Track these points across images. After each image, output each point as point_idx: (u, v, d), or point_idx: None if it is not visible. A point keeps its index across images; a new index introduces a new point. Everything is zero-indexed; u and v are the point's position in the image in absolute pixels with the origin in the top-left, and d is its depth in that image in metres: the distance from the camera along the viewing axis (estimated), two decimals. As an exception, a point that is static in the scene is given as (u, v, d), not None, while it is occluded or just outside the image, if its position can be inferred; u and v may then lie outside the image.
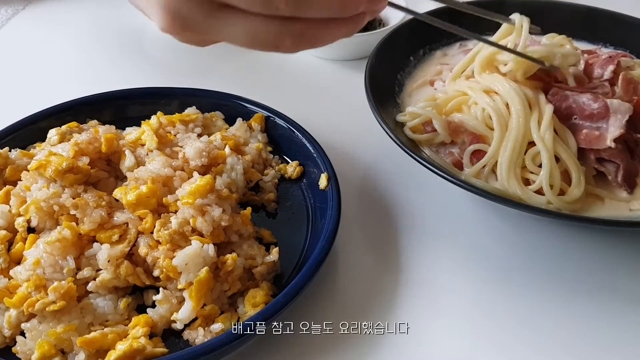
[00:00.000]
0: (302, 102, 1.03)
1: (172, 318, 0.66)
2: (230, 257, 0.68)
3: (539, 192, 0.77)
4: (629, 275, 0.76)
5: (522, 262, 0.78)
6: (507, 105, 0.80)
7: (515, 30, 0.83)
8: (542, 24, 1.06)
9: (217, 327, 0.65)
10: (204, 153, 0.76)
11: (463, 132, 0.83)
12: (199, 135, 0.85)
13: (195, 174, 0.73)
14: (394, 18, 1.18)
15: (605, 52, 0.93)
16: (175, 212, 0.70)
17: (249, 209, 0.75)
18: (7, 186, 0.75)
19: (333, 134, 0.92)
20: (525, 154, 0.78)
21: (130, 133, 0.83)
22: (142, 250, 0.68)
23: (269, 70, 1.14)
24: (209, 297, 0.67)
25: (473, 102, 0.84)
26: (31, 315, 0.64)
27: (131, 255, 0.69)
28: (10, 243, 0.71)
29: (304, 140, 0.84)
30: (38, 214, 0.69)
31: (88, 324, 0.65)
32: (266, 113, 0.89)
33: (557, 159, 0.77)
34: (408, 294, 0.73)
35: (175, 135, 0.84)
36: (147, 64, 1.15)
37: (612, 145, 0.76)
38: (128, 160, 0.76)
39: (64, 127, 0.83)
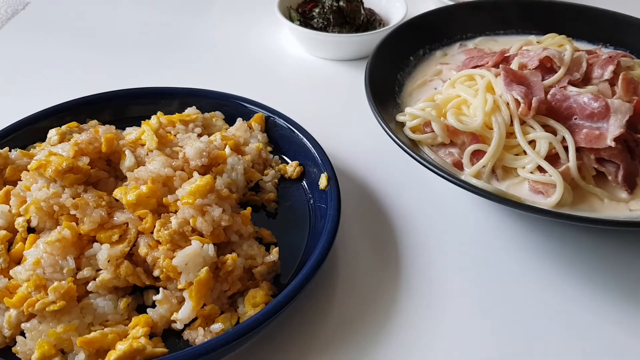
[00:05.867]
0: (302, 102, 1.03)
1: (172, 318, 0.66)
2: (230, 257, 0.68)
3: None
4: (630, 274, 0.76)
5: (522, 262, 0.78)
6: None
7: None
8: (542, 24, 1.07)
9: (217, 327, 0.65)
10: (204, 153, 0.76)
11: (462, 132, 0.83)
12: (199, 135, 0.85)
13: (195, 174, 0.73)
14: (394, 18, 1.19)
15: (605, 52, 0.93)
16: (175, 212, 0.70)
17: (249, 209, 0.75)
18: (7, 186, 0.75)
19: (333, 134, 0.92)
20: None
21: (130, 133, 0.83)
22: (142, 250, 0.68)
23: (269, 71, 1.14)
24: (209, 297, 0.67)
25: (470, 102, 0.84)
26: (31, 315, 0.64)
27: (131, 255, 0.69)
28: (10, 243, 0.71)
29: (304, 140, 0.84)
30: (38, 214, 0.69)
31: (88, 324, 0.65)
32: (266, 113, 0.89)
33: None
34: (408, 293, 0.73)
35: (175, 135, 0.84)
36: (147, 64, 1.15)
37: (613, 144, 0.76)
38: (128, 160, 0.76)
39: (64, 127, 0.83)
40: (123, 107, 0.91)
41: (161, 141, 0.80)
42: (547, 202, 0.77)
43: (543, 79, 0.85)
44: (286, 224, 0.79)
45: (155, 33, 1.24)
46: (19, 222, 0.70)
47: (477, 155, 0.81)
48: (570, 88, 0.83)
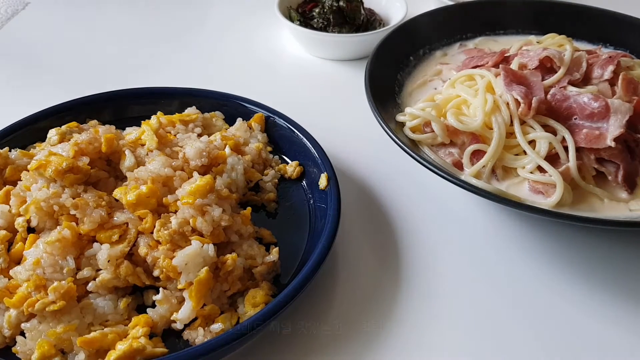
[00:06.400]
0: (302, 102, 1.03)
1: (172, 318, 0.66)
2: (230, 257, 0.68)
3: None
4: (629, 274, 0.76)
5: (522, 262, 0.78)
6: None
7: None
8: (542, 24, 1.07)
9: (217, 327, 0.65)
10: (204, 153, 0.76)
11: (462, 132, 0.83)
12: (199, 135, 0.85)
13: (195, 174, 0.73)
14: (394, 18, 1.19)
15: (605, 52, 0.93)
16: (175, 212, 0.70)
17: (249, 209, 0.75)
18: (7, 186, 0.75)
19: (333, 134, 0.92)
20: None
21: (130, 133, 0.83)
22: (142, 250, 0.68)
23: (269, 71, 1.14)
24: (208, 297, 0.67)
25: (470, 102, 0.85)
26: (31, 315, 0.64)
27: (131, 255, 0.69)
28: (10, 243, 0.71)
29: (304, 140, 0.84)
30: (38, 214, 0.69)
31: (88, 324, 0.65)
32: (266, 113, 0.89)
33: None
34: (408, 294, 0.73)
35: (175, 135, 0.84)
36: (146, 64, 1.15)
37: (612, 144, 0.76)
38: (128, 160, 0.76)
39: (64, 127, 0.83)
40: (123, 107, 0.91)
41: (161, 141, 0.80)
42: (547, 202, 0.77)
43: (543, 79, 0.85)
44: (286, 224, 0.79)
45: (156, 33, 1.24)
46: (19, 222, 0.70)
47: (477, 155, 0.81)
48: (570, 88, 0.83)
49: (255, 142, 0.86)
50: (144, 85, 0.93)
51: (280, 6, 1.15)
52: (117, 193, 0.72)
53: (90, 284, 0.66)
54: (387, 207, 0.84)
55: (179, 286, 0.66)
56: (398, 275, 0.75)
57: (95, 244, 0.68)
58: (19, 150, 0.79)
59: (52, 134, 0.81)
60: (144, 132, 0.80)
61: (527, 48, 0.93)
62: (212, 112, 0.90)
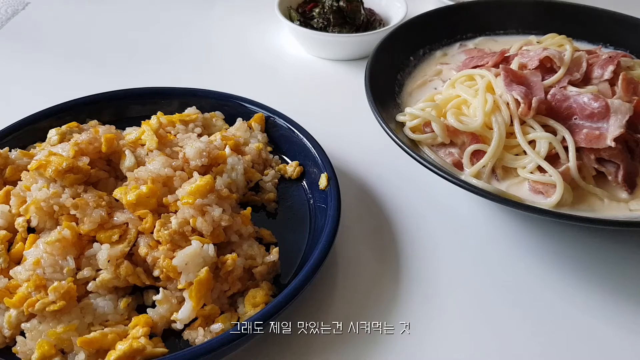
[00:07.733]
0: (302, 102, 1.03)
1: (172, 318, 0.66)
2: (230, 257, 0.68)
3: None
4: (629, 274, 0.76)
5: (522, 261, 0.78)
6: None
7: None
8: (542, 24, 1.08)
9: (217, 327, 0.65)
10: (204, 153, 0.76)
11: (462, 132, 0.83)
12: (199, 135, 0.85)
13: (195, 174, 0.73)
14: (394, 18, 1.19)
15: (605, 52, 0.93)
16: (175, 212, 0.70)
17: (249, 209, 0.75)
18: (7, 186, 0.75)
19: (333, 134, 0.92)
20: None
21: (130, 133, 0.83)
22: (142, 250, 0.68)
23: (269, 71, 1.14)
24: (209, 297, 0.67)
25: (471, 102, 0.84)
26: (31, 315, 0.64)
27: (131, 255, 0.69)
28: (10, 243, 0.71)
29: (304, 140, 0.84)
30: (38, 214, 0.69)
31: (88, 324, 0.65)
32: (266, 113, 0.89)
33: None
34: (408, 294, 0.73)
35: (175, 135, 0.84)
36: (147, 64, 1.15)
37: (613, 144, 0.76)
38: (128, 160, 0.76)
39: (64, 127, 0.83)
40: (123, 107, 0.91)
41: (161, 141, 0.80)
42: (547, 202, 0.77)
43: (543, 79, 0.85)
44: (286, 224, 0.79)
45: (156, 33, 1.24)
46: (19, 222, 0.70)
47: (477, 155, 0.81)
48: (570, 88, 0.83)
49: (255, 142, 0.86)
50: (144, 85, 0.93)
51: (280, 6, 1.15)
52: (117, 193, 0.71)
53: (90, 284, 0.66)
54: (387, 207, 0.84)
55: (179, 286, 0.66)
56: (398, 275, 0.75)
57: (95, 244, 0.68)
58: (19, 150, 0.79)
59: (52, 134, 0.81)
60: (144, 132, 0.80)
61: (527, 48, 0.93)
62: (212, 112, 0.90)
